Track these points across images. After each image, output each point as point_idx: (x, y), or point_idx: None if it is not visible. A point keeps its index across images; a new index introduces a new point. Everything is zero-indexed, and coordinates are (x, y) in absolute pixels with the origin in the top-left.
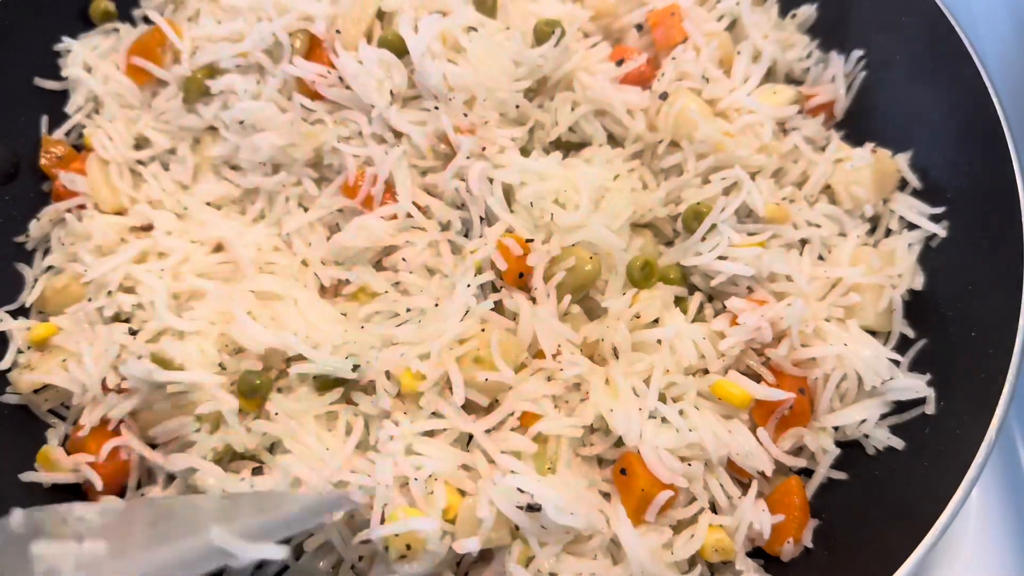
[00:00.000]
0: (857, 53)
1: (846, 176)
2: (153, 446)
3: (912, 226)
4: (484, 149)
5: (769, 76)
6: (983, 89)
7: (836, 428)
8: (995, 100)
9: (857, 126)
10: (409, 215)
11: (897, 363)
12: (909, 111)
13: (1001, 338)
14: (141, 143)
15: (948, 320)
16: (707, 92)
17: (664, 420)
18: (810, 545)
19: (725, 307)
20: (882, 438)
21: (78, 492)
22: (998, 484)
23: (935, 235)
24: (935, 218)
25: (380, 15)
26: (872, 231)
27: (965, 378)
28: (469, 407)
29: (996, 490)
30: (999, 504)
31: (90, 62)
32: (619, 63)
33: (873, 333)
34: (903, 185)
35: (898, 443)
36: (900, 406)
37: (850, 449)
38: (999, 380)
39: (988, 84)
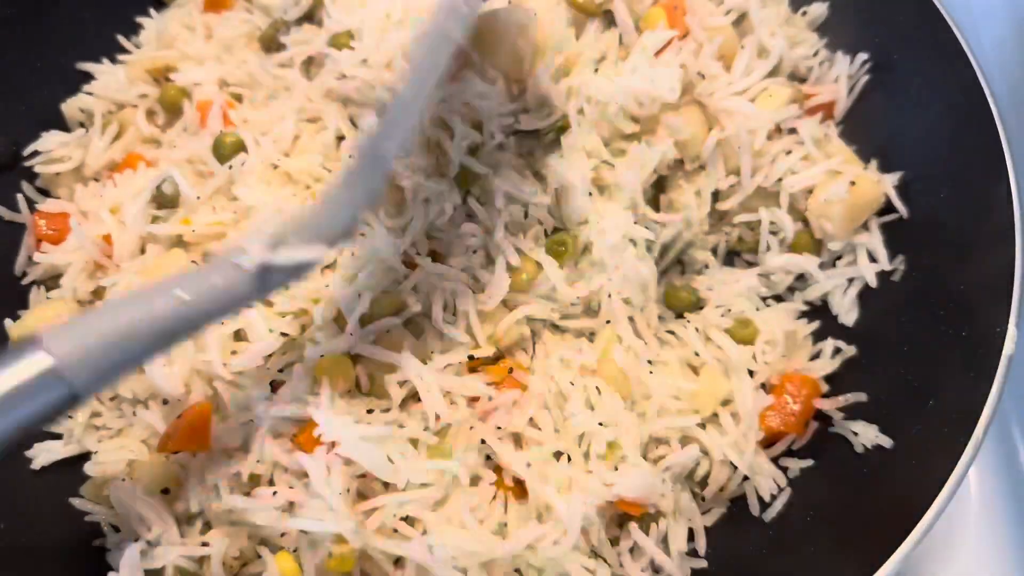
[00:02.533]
0: (862, 56)
1: (819, 207)
2: None
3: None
4: None
5: (772, 72)
6: (981, 96)
7: None
8: (994, 108)
9: (852, 125)
10: None
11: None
12: (904, 115)
13: (991, 338)
14: None
15: (939, 319)
16: (702, 89)
17: None
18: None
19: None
20: (870, 436)
21: None
22: (998, 484)
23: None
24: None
25: None
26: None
27: (955, 378)
28: None
29: (996, 490)
30: (999, 504)
31: None
32: None
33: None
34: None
35: (886, 441)
36: (888, 405)
37: (838, 446)
38: (988, 380)
39: (986, 89)
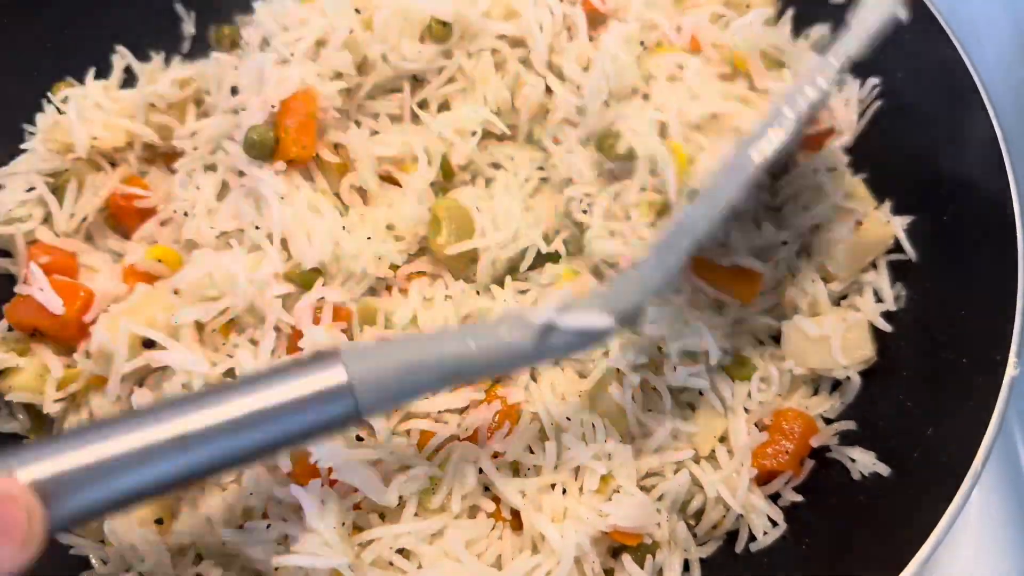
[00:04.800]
0: (873, 80)
1: (822, 246)
2: None
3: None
4: None
5: None
6: (989, 127)
7: None
8: (1001, 140)
9: (861, 152)
10: None
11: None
12: (907, 142)
13: (991, 366)
14: None
15: (940, 346)
16: None
17: None
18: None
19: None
20: (868, 462)
21: None
22: (998, 484)
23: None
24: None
25: None
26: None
27: (955, 406)
28: None
29: (996, 490)
30: (999, 504)
31: None
32: None
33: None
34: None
35: (884, 469)
36: (887, 433)
37: (835, 474)
38: (988, 409)
39: (997, 127)
